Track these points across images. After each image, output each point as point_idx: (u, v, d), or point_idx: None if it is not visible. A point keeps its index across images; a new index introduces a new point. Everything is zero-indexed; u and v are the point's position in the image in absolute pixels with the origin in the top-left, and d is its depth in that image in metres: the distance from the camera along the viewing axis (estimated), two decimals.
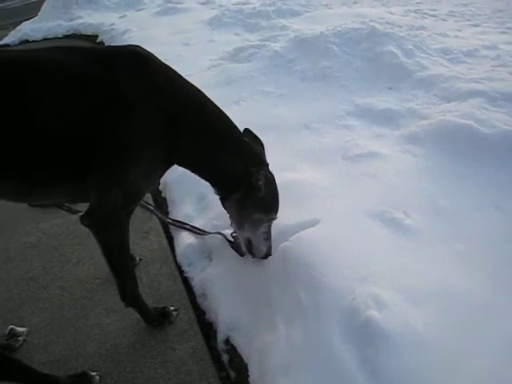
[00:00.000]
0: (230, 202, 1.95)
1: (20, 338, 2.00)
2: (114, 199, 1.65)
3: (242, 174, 1.85)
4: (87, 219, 1.66)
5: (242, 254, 2.13)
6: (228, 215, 2.04)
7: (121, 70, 1.61)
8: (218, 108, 1.88)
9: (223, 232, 2.29)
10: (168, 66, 1.78)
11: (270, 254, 2.01)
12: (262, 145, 2.04)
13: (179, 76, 1.80)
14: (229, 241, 2.24)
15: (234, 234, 2.18)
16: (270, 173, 1.98)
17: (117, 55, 1.67)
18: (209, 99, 1.86)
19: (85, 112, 1.55)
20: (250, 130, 2.04)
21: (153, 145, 1.69)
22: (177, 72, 1.80)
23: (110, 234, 1.71)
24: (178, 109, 1.73)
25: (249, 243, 2.01)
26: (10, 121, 1.46)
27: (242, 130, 1.98)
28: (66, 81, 1.55)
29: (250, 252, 2.04)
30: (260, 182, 1.87)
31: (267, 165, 1.95)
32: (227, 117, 1.90)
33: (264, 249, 2.00)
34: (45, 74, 1.53)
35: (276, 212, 1.99)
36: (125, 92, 1.59)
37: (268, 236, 2.00)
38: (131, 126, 1.61)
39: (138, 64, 1.67)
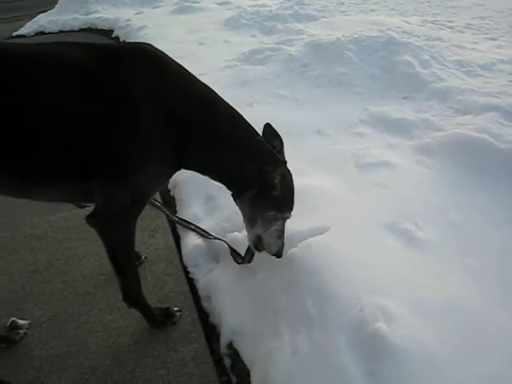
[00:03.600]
0: (242, 199, 1.88)
1: (21, 331, 1.98)
2: (121, 202, 1.63)
3: (256, 172, 1.79)
4: (93, 220, 1.65)
5: (237, 262, 2.10)
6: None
7: (129, 68, 1.57)
8: (230, 106, 1.83)
9: (227, 238, 2.23)
10: (179, 65, 1.74)
11: (281, 255, 1.94)
12: (281, 141, 1.99)
13: (190, 75, 1.76)
14: (231, 248, 2.20)
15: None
16: (288, 171, 1.92)
17: (127, 53, 1.64)
18: (220, 98, 1.81)
19: (91, 110, 1.51)
20: (270, 125, 1.98)
21: (161, 147, 1.65)
22: (188, 71, 1.76)
23: (116, 236, 1.71)
24: (188, 110, 1.69)
25: (258, 239, 1.94)
26: (9, 114, 1.42)
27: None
28: (73, 77, 1.51)
29: (257, 248, 1.97)
30: (276, 181, 1.81)
31: (285, 162, 1.90)
32: (239, 115, 1.85)
33: (275, 246, 1.92)
34: (51, 69, 1.49)
35: (290, 210, 1.93)
36: (132, 91, 1.56)
37: (281, 234, 1.93)
38: (139, 127, 1.57)
39: (147, 62, 1.63)
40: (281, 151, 1.97)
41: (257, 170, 1.79)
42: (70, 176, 1.58)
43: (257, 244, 1.96)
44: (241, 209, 1.96)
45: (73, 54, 1.54)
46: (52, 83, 1.48)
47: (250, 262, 2.11)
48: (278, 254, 1.94)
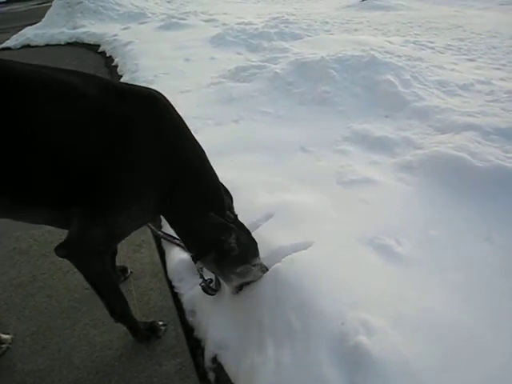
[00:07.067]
0: (206, 262, 1.91)
1: (4, 346, 1.98)
2: (97, 237, 1.63)
3: (214, 241, 1.81)
4: (63, 251, 1.64)
5: (209, 294, 2.08)
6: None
7: (133, 111, 1.61)
8: (214, 173, 1.87)
9: None
10: (181, 119, 1.78)
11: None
12: (231, 197, 2.01)
13: (188, 131, 1.80)
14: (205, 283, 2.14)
15: (202, 284, 2.09)
16: (240, 224, 1.95)
17: (134, 95, 1.67)
18: (208, 163, 1.85)
19: (88, 143, 1.54)
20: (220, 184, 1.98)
21: (149, 190, 1.68)
22: (187, 126, 1.80)
23: (89, 267, 1.71)
24: (179, 164, 1.73)
25: (240, 288, 2.00)
26: (9, 137, 1.44)
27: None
28: (77, 109, 1.53)
29: (238, 292, 2.03)
30: (232, 245, 1.83)
31: (236, 216, 1.93)
32: (218, 184, 1.88)
33: (260, 277, 1.99)
34: (54, 96, 1.51)
35: (257, 255, 1.97)
36: (133, 134, 1.59)
37: (263, 267, 1.99)
38: (132, 168, 1.61)
39: (153, 108, 1.67)
40: (230, 207, 1.98)
41: (212, 241, 1.80)
42: (58, 202, 1.60)
43: (240, 290, 2.02)
44: (207, 268, 1.98)
45: (82, 86, 1.56)
46: (55, 112, 1.50)
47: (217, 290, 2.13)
48: None
